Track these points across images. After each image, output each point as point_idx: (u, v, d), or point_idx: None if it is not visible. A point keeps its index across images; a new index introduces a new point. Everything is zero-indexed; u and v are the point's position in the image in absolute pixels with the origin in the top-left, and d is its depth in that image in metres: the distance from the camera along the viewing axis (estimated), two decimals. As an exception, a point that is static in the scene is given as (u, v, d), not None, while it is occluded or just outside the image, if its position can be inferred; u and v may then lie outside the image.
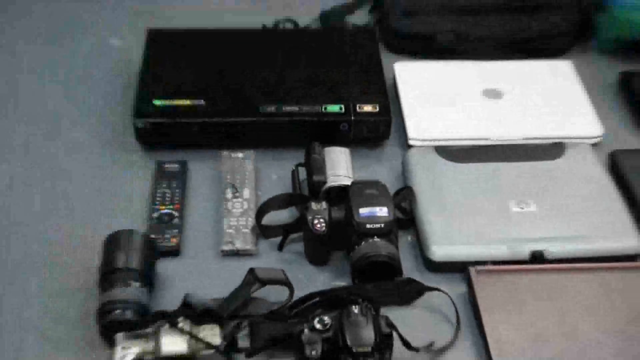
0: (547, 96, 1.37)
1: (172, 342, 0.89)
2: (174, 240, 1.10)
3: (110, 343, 0.91)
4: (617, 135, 1.32)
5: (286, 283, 1.01)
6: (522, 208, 1.14)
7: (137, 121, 1.23)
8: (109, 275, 0.98)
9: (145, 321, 0.94)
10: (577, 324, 0.99)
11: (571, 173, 1.21)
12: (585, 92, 1.37)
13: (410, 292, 1.05)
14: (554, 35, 1.51)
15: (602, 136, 1.30)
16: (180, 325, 0.91)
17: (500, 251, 1.08)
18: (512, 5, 1.52)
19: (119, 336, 0.90)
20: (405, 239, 1.13)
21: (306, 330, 0.91)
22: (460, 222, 1.12)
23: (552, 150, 1.24)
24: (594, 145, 1.28)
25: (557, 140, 1.26)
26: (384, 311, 0.95)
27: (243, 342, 0.96)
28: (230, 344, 0.94)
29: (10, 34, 1.54)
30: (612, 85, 1.44)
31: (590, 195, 1.17)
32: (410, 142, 1.27)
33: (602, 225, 1.12)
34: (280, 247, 1.11)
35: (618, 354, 0.96)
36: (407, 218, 1.13)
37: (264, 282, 1.00)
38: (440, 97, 1.35)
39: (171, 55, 1.37)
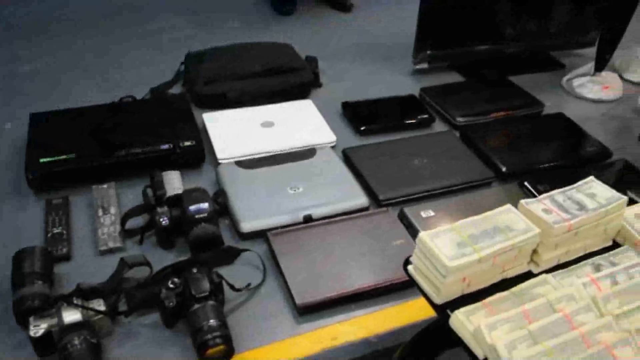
0: (300, 122, 1.37)
1: (70, 314, 0.82)
2: (65, 250, 1.01)
3: (26, 326, 0.81)
4: (344, 139, 1.34)
5: (146, 263, 0.96)
6: (294, 190, 1.14)
7: (28, 174, 1.12)
8: (19, 278, 0.89)
9: (49, 304, 0.85)
10: (341, 255, 1.01)
11: (321, 165, 1.22)
12: (322, 117, 1.39)
13: (231, 255, 1.03)
14: (300, 86, 1.52)
15: (335, 141, 1.32)
16: (74, 301, 0.83)
17: (285, 219, 1.07)
18: (273, 71, 1.51)
19: (31, 319, 0.82)
20: (223, 222, 1.09)
21: (163, 290, 0.87)
22: (257, 205, 1.10)
23: (308, 153, 1.25)
24: (332, 147, 1.31)
25: (310, 147, 1.27)
26: (214, 270, 0.92)
27: (122, 306, 0.90)
28: (113, 310, 0.88)
29: None
30: (337, 110, 1.47)
31: (334, 177, 1.19)
32: (219, 161, 1.23)
33: (344, 194, 1.14)
34: (140, 242, 1.05)
35: (369, 265, 0.99)
36: (222, 209, 1.09)
37: (131, 266, 0.94)
38: (235, 130, 1.32)
39: (49, 128, 1.25)
